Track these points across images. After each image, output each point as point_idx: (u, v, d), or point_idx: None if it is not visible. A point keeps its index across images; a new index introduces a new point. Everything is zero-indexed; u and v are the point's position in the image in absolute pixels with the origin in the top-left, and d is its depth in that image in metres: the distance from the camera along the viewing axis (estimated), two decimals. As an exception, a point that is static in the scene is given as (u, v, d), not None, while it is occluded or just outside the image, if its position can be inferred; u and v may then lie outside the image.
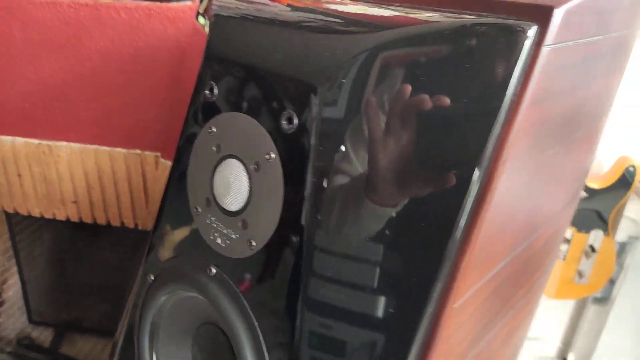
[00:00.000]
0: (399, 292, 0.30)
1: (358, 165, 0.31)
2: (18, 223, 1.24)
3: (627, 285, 1.29)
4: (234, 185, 0.36)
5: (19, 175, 0.94)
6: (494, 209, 0.30)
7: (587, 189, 1.14)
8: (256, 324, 0.34)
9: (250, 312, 0.35)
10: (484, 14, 0.27)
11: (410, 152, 0.29)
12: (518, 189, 0.32)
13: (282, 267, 0.33)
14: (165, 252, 0.43)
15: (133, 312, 0.47)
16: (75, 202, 0.96)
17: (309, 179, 0.32)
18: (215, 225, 0.38)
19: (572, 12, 0.28)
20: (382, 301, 0.31)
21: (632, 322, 1.37)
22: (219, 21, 0.39)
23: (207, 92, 0.37)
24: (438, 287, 0.30)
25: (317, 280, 0.32)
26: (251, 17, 0.37)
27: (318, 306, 0.32)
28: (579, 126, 0.37)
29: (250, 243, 0.36)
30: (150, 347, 0.44)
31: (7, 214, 1.15)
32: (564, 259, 1.22)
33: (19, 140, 0.90)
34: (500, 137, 0.28)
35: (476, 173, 0.28)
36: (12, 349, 1.32)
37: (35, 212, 0.98)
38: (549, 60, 0.28)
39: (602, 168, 1.22)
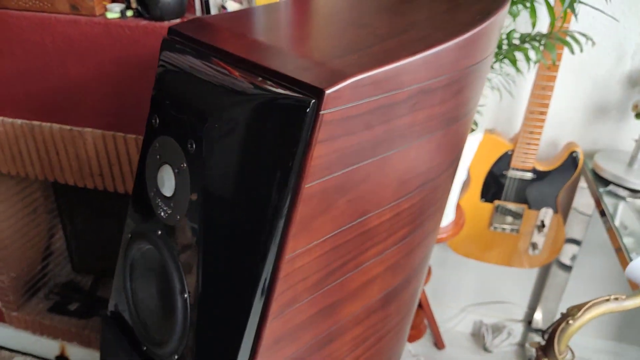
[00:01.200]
0: (254, 245, 0.51)
1: (225, 172, 0.51)
2: (60, 188, 1.51)
3: (582, 255, 1.44)
4: (167, 181, 0.56)
5: (57, 153, 1.19)
6: (305, 204, 0.49)
7: (535, 171, 1.29)
8: (179, 260, 0.56)
9: (176, 254, 0.57)
10: (285, 92, 0.46)
11: (251, 170, 0.50)
12: (330, 190, 0.51)
13: (191, 228, 0.55)
14: (136, 219, 0.65)
15: (120, 258, 0.70)
16: (100, 175, 1.20)
17: (201, 179, 0.53)
18: (159, 204, 0.59)
19: (341, 90, 0.46)
20: (244, 248, 0.51)
21: (589, 285, 1.52)
22: (162, 72, 0.59)
23: (152, 121, 0.58)
24: (274, 245, 0.50)
25: (208, 234, 0.54)
26: (177, 70, 0.57)
27: (209, 249, 0.54)
28: (394, 144, 0.56)
29: (176, 216, 0.57)
30: (130, 281, 0.67)
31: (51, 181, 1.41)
32: (517, 232, 1.38)
33: (55, 126, 1.14)
34: (302, 161, 0.47)
35: (287, 194, 0.48)
36: (59, 291, 1.62)
37: (71, 182, 1.23)
38: (327, 118, 0.46)
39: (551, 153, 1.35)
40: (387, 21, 0.63)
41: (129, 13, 0.99)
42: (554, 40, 1.05)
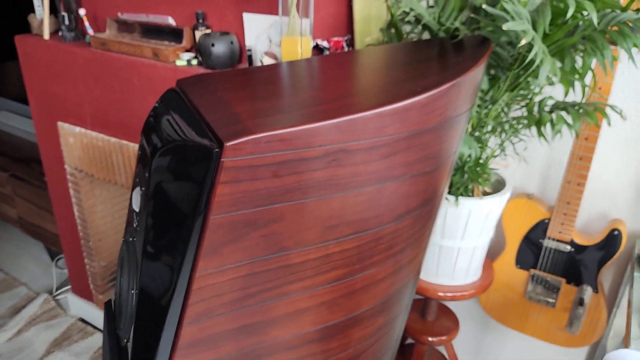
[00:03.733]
0: (172, 260, 0.63)
1: (158, 199, 0.65)
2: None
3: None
4: (134, 199, 0.72)
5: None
6: (212, 231, 0.61)
7: (574, 244, 1.22)
8: (142, 254, 0.71)
9: (141, 251, 0.71)
10: (198, 140, 0.59)
11: (174, 199, 0.63)
12: (239, 223, 0.62)
13: (142, 239, 0.69)
14: (127, 226, 0.82)
15: (118, 258, 0.87)
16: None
17: (146, 202, 0.67)
18: (134, 216, 0.75)
19: (240, 143, 0.57)
20: (167, 262, 0.64)
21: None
22: (150, 114, 0.76)
23: (139, 150, 0.75)
24: (187, 262, 0.62)
25: (148, 246, 0.68)
26: (153, 114, 0.73)
27: (148, 257, 0.67)
28: (310, 193, 0.65)
29: (138, 225, 0.72)
30: (120, 275, 0.84)
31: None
32: (554, 306, 1.30)
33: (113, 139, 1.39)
34: (208, 196, 0.59)
35: (197, 221, 0.60)
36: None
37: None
38: (228, 165, 0.58)
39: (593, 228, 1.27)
40: (337, 87, 0.73)
41: (194, 62, 1.20)
42: (583, 110, 1.02)
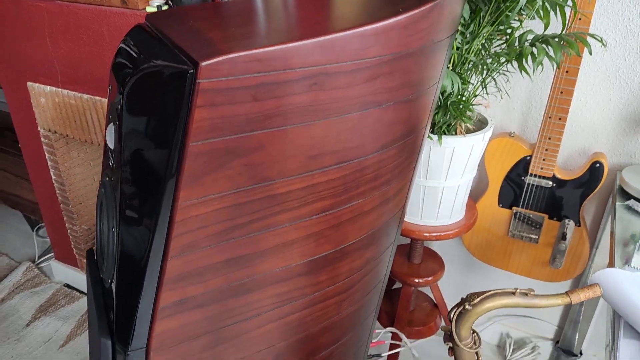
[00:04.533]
0: (153, 191, 0.62)
1: (133, 128, 0.63)
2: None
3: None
4: (108, 135, 0.69)
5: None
6: (191, 159, 0.59)
7: (555, 179, 1.24)
8: (120, 190, 0.69)
9: (119, 188, 0.69)
10: (171, 63, 0.56)
11: (150, 128, 0.60)
12: (219, 151, 0.60)
13: (120, 176, 0.67)
14: (103, 168, 0.80)
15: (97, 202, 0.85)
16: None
17: (120, 136, 0.65)
18: (109, 154, 0.72)
19: (216, 63, 0.55)
20: (147, 193, 0.62)
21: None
22: (117, 51, 0.73)
23: (109, 88, 0.72)
24: (168, 192, 0.60)
25: (125, 180, 0.66)
26: (122, 47, 0.70)
27: (126, 192, 0.66)
28: (290, 119, 0.63)
29: (114, 162, 0.69)
30: (99, 219, 0.81)
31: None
32: (537, 242, 1.32)
33: (112, 101, 1.35)
34: (185, 122, 0.57)
35: (175, 150, 0.58)
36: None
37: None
38: (205, 86, 0.55)
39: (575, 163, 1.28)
40: (315, 14, 0.70)
41: (164, 7, 1.16)
42: (562, 41, 1.01)
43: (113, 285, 0.71)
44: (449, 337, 0.70)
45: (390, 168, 0.80)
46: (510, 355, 1.55)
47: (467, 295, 0.68)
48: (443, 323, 1.59)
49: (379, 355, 1.33)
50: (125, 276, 0.68)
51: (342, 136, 0.69)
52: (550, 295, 0.63)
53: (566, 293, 0.63)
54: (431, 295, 1.61)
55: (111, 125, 0.69)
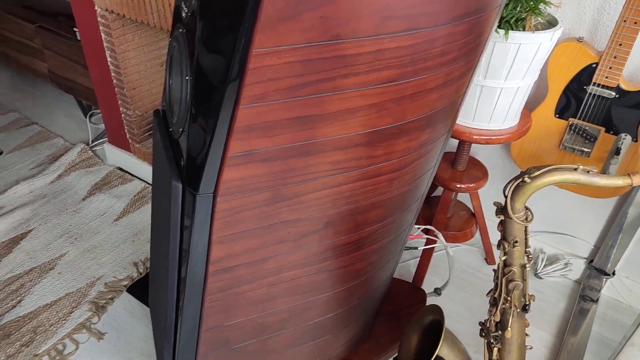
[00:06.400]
0: (228, 36, 0.63)
1: None
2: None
3: (660, 199, 1.32)
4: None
5: (170, 5, 1.40)
6: (265, 11, 0.59)
7: (619, 89, 1.19)
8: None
9: (196, 36, 0.71)
10: None
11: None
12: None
13: (196, 19, 0.69)
14: (174, 22, 0.81)
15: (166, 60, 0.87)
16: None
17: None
18: (182, 4, 0.73)
19: None
20: (222, 40, 0.64)
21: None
22: None
23: None
24: (242, 36, 0.62)
25: (201, 22, 0.67)
26: None
27: (204, 39, 0.67)
28: None
29: (188, 11, 0.70)
30: (169, 76, 0.84)
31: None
32: (589, 156, 1.30)
33: (171, -20, 1.34)
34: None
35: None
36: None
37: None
38: None
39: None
40: None
41: None
42: None
43: (184, 135, 0.75)
44: (501, 210, 0.71)
45: (459, 45, 0.78)
46: (542, 269, 1.59)
47: (527, 169, 0.68)
48: (479, 233, 1.62)
49: (415, 248, 1.38)
50: (198, 124, 0.71)
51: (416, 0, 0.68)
52: (612, 175, 0.63)
53: (628, 175, 0.63)
54: (470, 205, 1.63)
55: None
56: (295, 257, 0.88)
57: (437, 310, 0.92)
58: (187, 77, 0.71)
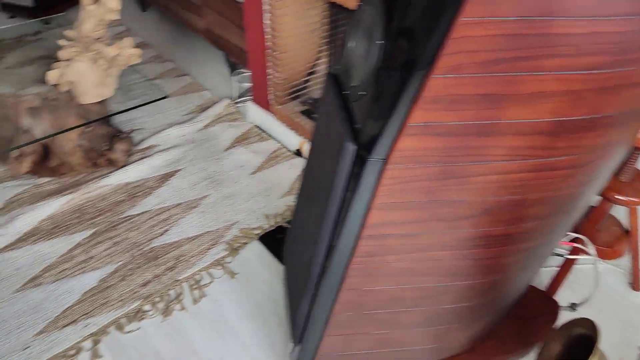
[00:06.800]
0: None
1: None
2: (334, 20, 1.78)
3: None
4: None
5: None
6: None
7: None
8: (383, 15, 0.70)
9: (383, 10, 0.70)
10: None
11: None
12: None
13: None
14: None
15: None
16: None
17: None
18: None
19: None
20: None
21: None
22: None
23: None
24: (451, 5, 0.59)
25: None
26: None
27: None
28: None
29: None
30: (350, 39, 0.84)
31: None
32: None
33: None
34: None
35: None
36: (312, 102, 1.97)
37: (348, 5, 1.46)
38: None
39: None
40: None
41: None
42: None
43: (364, 99, 0.75)
44: None
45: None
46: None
47: None
48: (628, 253, 1.47)
49: (560, 255, 1.29)
50: (384, 89, 0.71)
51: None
52: None
53: None
54: (624, 222, 1.49)
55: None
56: (446, 239, 0.86)
57: (591, 325, 0.85)
58: (378, 42, 0.71)
